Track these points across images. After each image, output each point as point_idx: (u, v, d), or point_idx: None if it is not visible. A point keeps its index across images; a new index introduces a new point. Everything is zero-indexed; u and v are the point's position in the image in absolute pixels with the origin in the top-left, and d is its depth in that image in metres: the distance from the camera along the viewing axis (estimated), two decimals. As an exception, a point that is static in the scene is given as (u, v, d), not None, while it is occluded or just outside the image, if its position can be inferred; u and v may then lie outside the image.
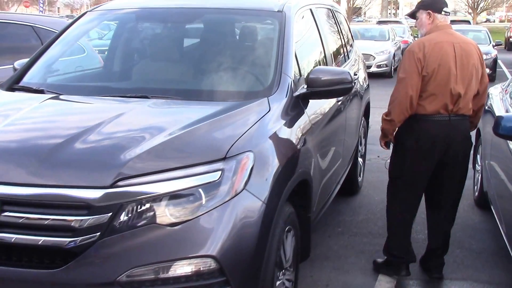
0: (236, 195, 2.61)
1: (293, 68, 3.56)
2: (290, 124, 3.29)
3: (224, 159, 2.65)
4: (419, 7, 4.00)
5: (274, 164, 2.89)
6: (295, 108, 3.44)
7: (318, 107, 3.86)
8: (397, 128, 3.96)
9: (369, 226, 5.10)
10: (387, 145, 4.17)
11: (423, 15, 3.94)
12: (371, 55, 17.22)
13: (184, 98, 3.37)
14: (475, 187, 5.81)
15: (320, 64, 4.36)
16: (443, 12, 3.90)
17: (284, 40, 3.66)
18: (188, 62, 3.93)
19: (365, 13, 67.04)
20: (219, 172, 2.61)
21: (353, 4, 47.21)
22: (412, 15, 4.08)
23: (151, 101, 3.29)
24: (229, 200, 2.59)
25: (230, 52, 3.87)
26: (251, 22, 4.10)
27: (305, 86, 3.55)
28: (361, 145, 6.02)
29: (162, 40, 4.18)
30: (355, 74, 5.45)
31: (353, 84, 3.61)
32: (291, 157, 3.13)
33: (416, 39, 4.07)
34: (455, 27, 19.20)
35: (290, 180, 3.04)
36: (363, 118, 5.94)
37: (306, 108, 3.58)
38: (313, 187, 3.54)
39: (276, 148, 3.01)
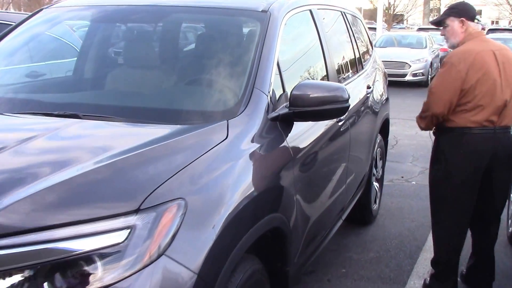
0: (150, 263, 1.85)
1: (271, 82, 2.81)
2: (257, 156, 2.54)
3: (137, 211, 1.89)
4: (450, 13, 3.64)
5: (221, 214, 2.14)
6: (269, 133, 2.69)
7: (307, 130, 3.12)
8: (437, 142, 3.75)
9: (380, 268, 4.32)
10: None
11: (454, 23, 3.64)
12: (407, 63, 16.61)
13: (126, 118, 2.62)
14: (509, 221, 4.95)
15: (320, 78, 3.63)
16: (475, 20, 3.66)
17: (264, 46, 2.92)
18: (139, 72, 3.17)
19: (407, 20, 66.01)
20: (127, 231, 1.86)
21: (394, 11, 46.28)
22: (439, 22, 3.70)
23: (77, 122, 2.55)
24: (137, 271, 1.83)
25: (191, 61, 3.10)
26: (227, 24, 3.32)
27: (288, 105, 2.83)
28: (376, 167, 5.23)
29: (117, 45, 3.46)
30: (368, 88, 4.72)
31: (349, 103, 2.88)
32: (252, 201, 2.35)
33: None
34: (497, 35, 18.38)
35: (248, 232, 2.30)
36: (379, 136, 5.16)
37: (287, 133, 2.84)
38: (293, 233, 2.80)
39: (228, 191, 2.24)
